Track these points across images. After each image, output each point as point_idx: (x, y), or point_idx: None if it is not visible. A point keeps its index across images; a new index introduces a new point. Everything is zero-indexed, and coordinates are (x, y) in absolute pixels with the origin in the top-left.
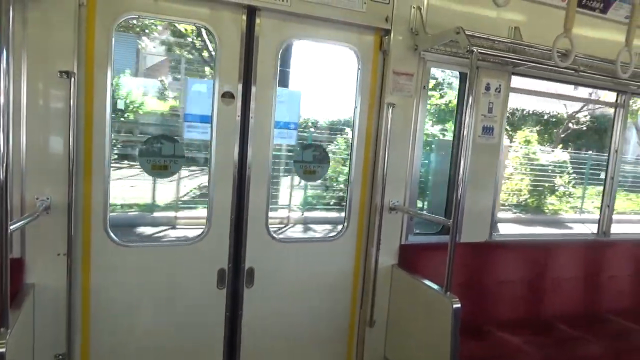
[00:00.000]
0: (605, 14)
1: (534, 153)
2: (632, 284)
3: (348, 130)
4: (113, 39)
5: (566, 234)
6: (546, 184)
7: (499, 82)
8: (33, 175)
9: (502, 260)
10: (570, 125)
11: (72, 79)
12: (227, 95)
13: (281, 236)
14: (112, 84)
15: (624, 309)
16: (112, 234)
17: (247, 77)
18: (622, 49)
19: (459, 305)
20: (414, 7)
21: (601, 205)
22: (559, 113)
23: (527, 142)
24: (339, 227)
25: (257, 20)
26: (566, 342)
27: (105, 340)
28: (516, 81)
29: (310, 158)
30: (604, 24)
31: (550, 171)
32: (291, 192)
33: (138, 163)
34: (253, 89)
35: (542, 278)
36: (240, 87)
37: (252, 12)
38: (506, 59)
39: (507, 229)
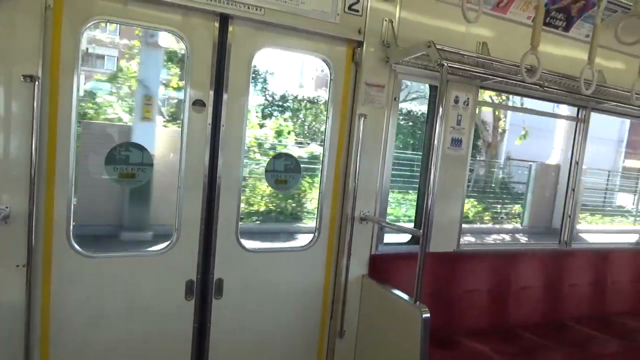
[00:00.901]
0: (568, 32)
1: (284, 146)
2: (591, 292)
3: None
4: (81, 43)
5: (530, 244)
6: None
7: (467, 95)
8: None
9: (469, 269)
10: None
11: (36, 83)
12: (198, 104)
13: (251, 246)
14: (78, 89)
15: (584, 316)
16: (75, 244)
17: (219, 85)
18: (585, 67)
19: (428, 315)
20: (386, 20)
21: (562, 216)
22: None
23: (279, 133)
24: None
25: (230, 28)
26: (531, 350)
27: (66, 356)
28: None
29: (281, 168)
30: (566, 42)
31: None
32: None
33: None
34: (225, 97)
35: (507, 287)
36: (211, 94)
37: (224, 20)
38: (476, 73)
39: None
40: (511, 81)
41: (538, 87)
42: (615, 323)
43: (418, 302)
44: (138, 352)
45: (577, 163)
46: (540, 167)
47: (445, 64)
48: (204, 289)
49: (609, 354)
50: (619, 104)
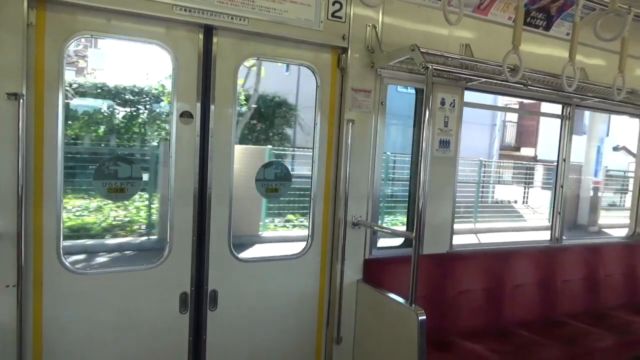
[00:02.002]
0: (548, 31)
1: None
2: (584, 287)
3: None
4: (65, 59)
5: (522, 242)
6: None
7: (453, 97)
8: None
9: (463, 270)
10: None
11: (21, 101)
12: (185, 115)
13: (244, 256)
14: (63, 106)
15: (578, 311)
16: (65, 262)
17: (206, 96)
18: (566, 64)
19: (424, 317)
20: (369, 26)
21: (552, 213)
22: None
23: None
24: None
25: (215, 40)
26: (527, 348)
27: None
28: None
29: (271, 176)
30: (547, 41)
31: None
32: None
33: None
34: (212, 108)
35: (501, 286)
36: (198, 106)
37: (209, 31)
38: (460, 74)
39: None
40: (496, 81)
41: (522, 86)
42: (609, 317)
43: (413, 305)
44: None
45: (565, 160)
46: None
47: (430, 67)
48: (198, 301)
49: (604, 348)
50: (601, 100)
